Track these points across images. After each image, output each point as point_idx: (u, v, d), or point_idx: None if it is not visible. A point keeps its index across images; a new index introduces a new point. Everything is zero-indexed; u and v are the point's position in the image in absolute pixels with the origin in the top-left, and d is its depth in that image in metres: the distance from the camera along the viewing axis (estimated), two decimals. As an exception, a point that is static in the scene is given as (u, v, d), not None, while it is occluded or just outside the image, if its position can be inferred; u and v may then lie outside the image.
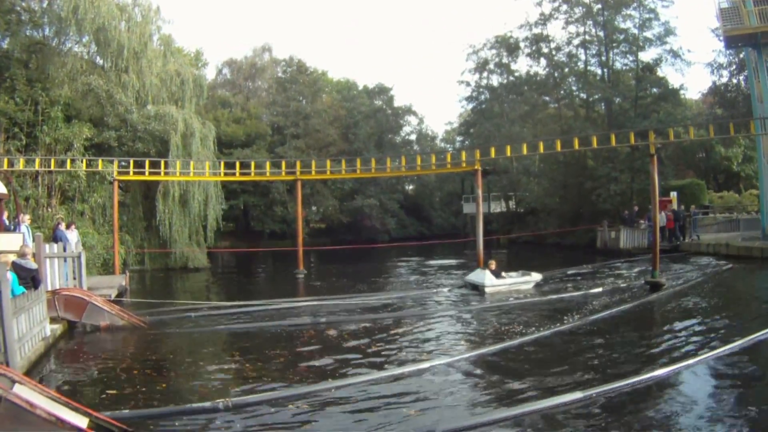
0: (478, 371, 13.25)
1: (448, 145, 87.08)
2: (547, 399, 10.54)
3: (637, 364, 13.16)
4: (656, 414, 10.37)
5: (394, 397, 11.43)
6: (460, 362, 13.83)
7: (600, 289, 24.75)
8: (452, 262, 42.79)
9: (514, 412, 10.06)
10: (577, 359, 13.85)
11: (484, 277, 25.16)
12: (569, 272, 31.16)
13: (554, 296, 23.55)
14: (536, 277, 26.52)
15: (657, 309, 21.08)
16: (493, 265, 25.92)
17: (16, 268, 14.89)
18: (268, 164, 39.98)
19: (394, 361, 14.35)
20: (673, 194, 43.03)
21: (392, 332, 18.14)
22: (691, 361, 12.91)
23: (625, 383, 11.37)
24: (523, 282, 26.02)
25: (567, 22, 53.89)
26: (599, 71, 54.12)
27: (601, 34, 51.71)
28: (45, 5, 38.13)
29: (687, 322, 18.11)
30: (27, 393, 9.31)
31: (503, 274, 26.05)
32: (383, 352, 15.32)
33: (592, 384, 11.47)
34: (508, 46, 61.84)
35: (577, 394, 10.66)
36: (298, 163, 37.54)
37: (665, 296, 22.84)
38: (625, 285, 25.92)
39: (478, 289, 25.24)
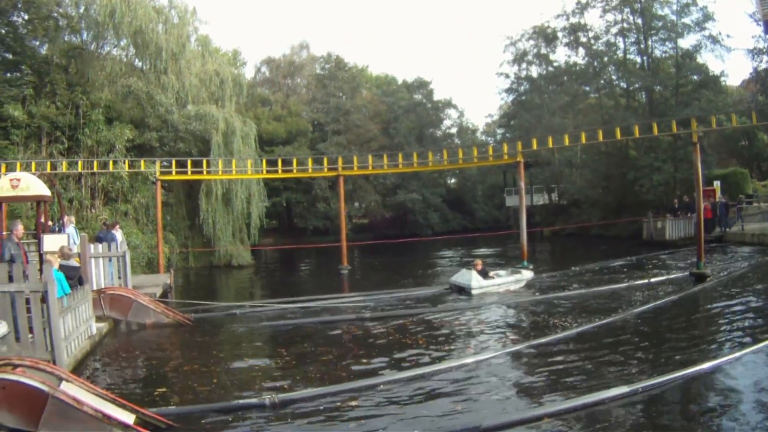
0: (523, 366, 13.22)
1: (489, 138, 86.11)
2: (593, 393, 10.46)
3: (683, 357, 12.96)
4: (703, 407, 10.34)
5: (440, 392, 11.47)
6: (505, 357, 13.81)
7: (644, 281, 24.22)
8: (496, 255, 42.40)
9: (559, 407, 10.01)
10: (622, 353, 13.68)
11: (471, 278, 23.35)
12: (613, 264, 30.58)
13: (598, 289, 23.09)
14: (527, 275, 25.35)
15: (702, 301, 20.67)
16: (479, 264, 24.29)
17: (63, 268, 15.01)
18: (310, 161, 39.95)
19: (439, 355, 14.28)
20: (717, 183, 42.29)
21: (437, 326, 18.07)
22: (738, 354, 12.74)
23: (671, 377, 11.22)
24: (513, 281, 24.65)
25: (604, 10, 52.99)
26: (638, 59, 53.28)
27: (639, 21, 50.68)
28: (82, 11, 38.36)
29: (733, 314, 17.85)
30: (74, 390, 9.42)
31: (491, 273, 24.78)
32: (429, 347, 15.27)
33: (637, 378, 11.37)
34: (545, 36, 60.99)
35: (623, 389, 10.57)
36: (339, 159, 37.57)
37: (710, 287, 22.39)
38: (669, 276, 25.32)
39: (463, 291, 23.49)
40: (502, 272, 25.59)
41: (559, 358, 13.50)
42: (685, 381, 11.21)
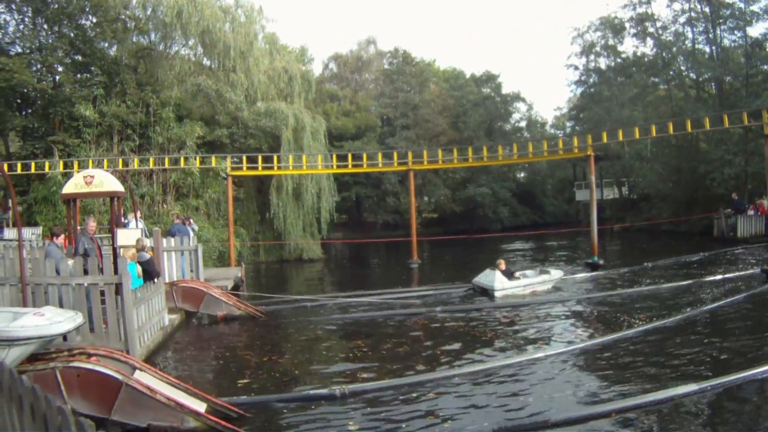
0: (590, 362, 13.07)
1: (559, 131, 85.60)
2: (661, 391, 10.27)
3: (753, 355, 12.54)
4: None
5: (509, 386, 11.51)
6: (573, 352, 13.68)
7: (714, 278, 23.50)
8: (566, 248, 42.04)
9: (627, 403, 9.87)
10: (690, 350, 13.32)
11: (494, 279, 22.01)
12: (683, 260, 29.74)
13: (668, 285, 22.45)
14: (555, 275, 23.85)
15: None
16: (502, 264, 22.84)
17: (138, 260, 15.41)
18: (379, 155, 40.08)
19: (507, 350, 14.26)
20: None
21: (506, 321, 18.06)
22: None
23: (740, 376, 10.89)
24: (539, 282, 23.12)
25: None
26: (707, 49, 52.04)
27: (707, 10, 49.34)
28: (149, 12, 38.98)
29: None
30: (147, 379, 9.61)
31: (516, 274, 23.43)
32: (497, 341, 15.27)
33: (706, 376, 11.07)
34: (612, 27, 60.07)
35: (692, 386, 10.37)
36: (409, 154, 37.54)
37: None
38: (740, 273, 24.39)
39: (487, 293, 22.19)
40: (529, 272, 24.56)
41: (628, 354, 13.28)
42: (755, 380, 10.90)
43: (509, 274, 22.58)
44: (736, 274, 24.16)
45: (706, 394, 10.21)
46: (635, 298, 20.50)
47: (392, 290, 24.20)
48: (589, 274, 26.84)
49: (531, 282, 22.92)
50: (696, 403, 9.93)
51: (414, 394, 10.95)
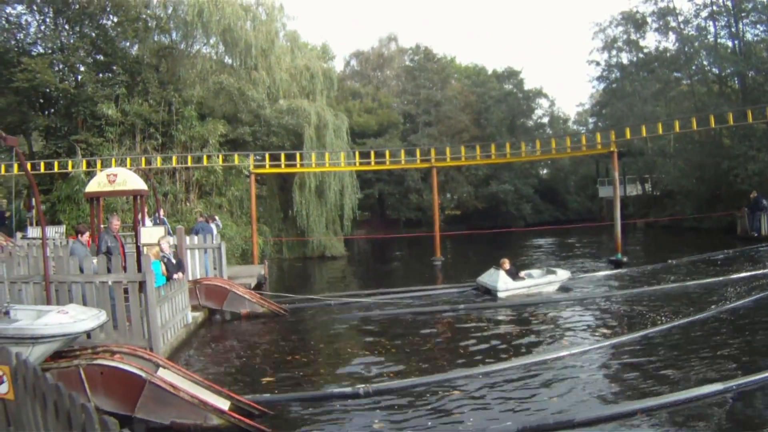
0: (614, 360, 12.99)
1: (581, 127, 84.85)
2: (686, 391, 10.16)
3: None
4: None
5: (533, 384, 11.47)
6: (598, 351, 13.57)
7: (739, 276, 23.05)
8: (589, 245, 41.81)
9: (651, 403, 9.74)
10: (715, 349, 13.16)
11: (497, 279, 21.43)
12: (707, 257, 29.34)
13: (692, 282, 22.23)
14: (562, 275, 22.98)
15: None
16: (506, 264, 22.18)
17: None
18: (402, 152, 40.03)
19: (531, 348, 14.18)
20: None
21: (530, 319, 17.94)
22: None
23: (767, 375, 10.66)
24: (545, 283, 22.38)
25: (693, -7, 51.51)
26: (730, 43, 51.18)
27: (729, 3, 48.91)
28: (170, 11, 39.10)
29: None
30: (170, 376, 9.62)
31: (522, 274, 22.70)
32: (521, 340, 15.20)
33: (732, 376, 10.90)
34: (634, 21, 59.78)
35: (717, 386, 10.24)
36: (432, 151, 37.47)
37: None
38: (764, 271, 23.86)
39: (490, 293, 21.65)
40: (535, 272, 23.86)
41: (652, 353, 13.15)
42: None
43: (513, 274, 22.16)
44: (761, 271, 23.77)
45: (732, 394, 10.07)
46: (659, 296, 20.32)
47: (415, 288, 24.04)
48: (612, 272, 26.80)
49: (536, 282, 22.41)
50: (721, 403, 9.80)
51: (438, 393, 10.90)
